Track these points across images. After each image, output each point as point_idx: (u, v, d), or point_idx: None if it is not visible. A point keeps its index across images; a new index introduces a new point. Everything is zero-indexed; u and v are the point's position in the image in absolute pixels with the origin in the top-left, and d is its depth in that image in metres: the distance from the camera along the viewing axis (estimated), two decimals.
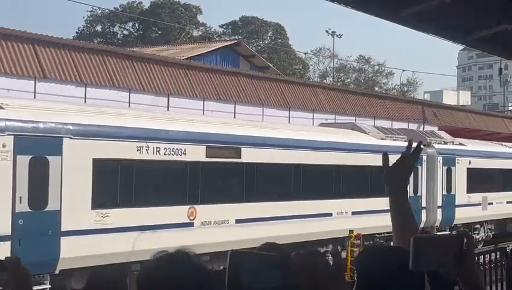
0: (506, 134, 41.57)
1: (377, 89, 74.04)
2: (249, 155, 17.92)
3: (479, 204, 27.54)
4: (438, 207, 25.49)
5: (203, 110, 26.29)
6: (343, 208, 20.93)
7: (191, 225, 16.24)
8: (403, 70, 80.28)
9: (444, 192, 25.65)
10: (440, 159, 25.71)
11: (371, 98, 36.67)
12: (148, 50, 37.47)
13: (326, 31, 73.55)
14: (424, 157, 24.59)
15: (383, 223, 19.20)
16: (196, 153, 16.45)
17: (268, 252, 1.78)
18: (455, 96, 77.31)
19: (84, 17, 74.35)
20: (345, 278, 1.75)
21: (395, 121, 35.39)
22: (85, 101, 22.03)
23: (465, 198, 26.73)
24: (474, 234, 27.43)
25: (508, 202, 29.69)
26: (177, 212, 16.02)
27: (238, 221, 17.41)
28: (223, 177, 17.72)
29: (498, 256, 13.85)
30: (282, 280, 1.65)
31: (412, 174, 24.09)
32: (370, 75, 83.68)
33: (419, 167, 24.17)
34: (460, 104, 64.63)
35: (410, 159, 2.83)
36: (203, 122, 18.20)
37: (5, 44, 20.85)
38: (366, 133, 23.36)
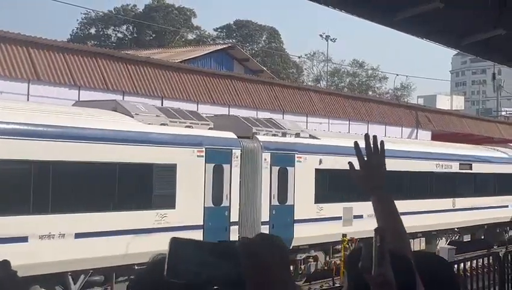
0: (499, 139, 41.68)
1: (370, 93, 74.17)
2: None
3: (338, 218, 20.97)
4: (264, 223, 18.72)
5: None
6: (52, 229, 13.61)
7: None
8: (397, 75, 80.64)
9: (275, 202, 19.08)
10: (267, 156, 19.10)
11: (364, 102, 36.70)
12: (142, 53, 37.43)
13: (321, 35, 73.74)
14: (236, 153, 18.13)
15: (132, 249, 14.60)
16: None
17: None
18: (449, 101, 77.59)
19: (78, 20, 74.39)
20: (289, 263, 1.70)
21: (389, 125, 35.45)
22: None
23: (311, 210, 20.12)
24: (335, 258, 21.17)
25: (368, 217, 23.34)
26: None
27: None
28: None
29: (491, 261, 13.88)
30: (225, 268, 1.61)
31: (209, 177, 17.24)
32: (364, 80, 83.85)
33: (226, 166, 17.87)
34: (453, 108, 64.79)
35: (373, 157, 2.67)
36: None
37: None
38: (130, 115, 16.54)
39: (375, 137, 2.69)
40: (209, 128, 18.37)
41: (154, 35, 70.45)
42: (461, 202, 26.81)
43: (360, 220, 20.61)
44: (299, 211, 19.72)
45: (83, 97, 22.63)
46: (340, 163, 20.57)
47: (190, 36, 70.63)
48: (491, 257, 14.10)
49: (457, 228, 26.90)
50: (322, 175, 20.58)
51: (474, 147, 31.32)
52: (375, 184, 2.69)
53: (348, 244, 19.61)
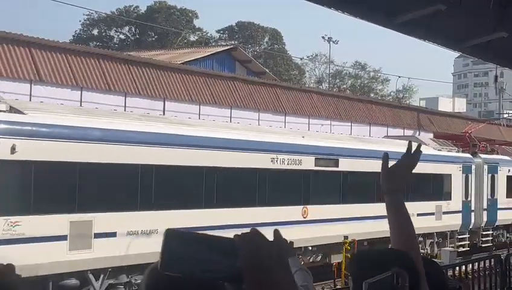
0: (501, 141, 41.66)
1: (372, 95, 74.17)
2: None
3: (60, 238, 13.36)
4: None
5: (199, 114, 26.32)
6: None
7: None
8: (399, 77, 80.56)
9: None
10: None
11: (366, 104, 36.72)
12: (144, 54, 37.47)
13: (323, 37, 73.83)
14: None
15: None
16: None
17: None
18: (450, 103, 77.60)
19: (80, 21, 74.50)
20: (287, 258, 1.69)
21: (391, 127, 35.45)
22: (81, 104, 22.03)
23: None
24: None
25: (129, 234, 14.48)
26: None
27: None
28: None
29: (492, 263, 13.88)
30: (222, 262, 1.58)
31: None
32: (366, 82, 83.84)
33: None
34: (455, 111, 64.78)
35: (409, 160, 2.70)
36: None
37: (1, 47, 20.83)
38: None
39: (419, 145, 2.72)
40: None
41: (156, 37, 70.51)
42: (318, 211, 19.51)
43: (110, 240, 14.00)
44: None
45: (85, 98, 22.69)
46: (61, 152, 13.44)
47: (192, 38, 70.73)
48: (492, 260, 14.10)
49: (312, 246, 19.62)
50: (17, 170, 13.19)
51: (345, 137, 23.94)
52: (399, 185, 2.69)
53: (350, 247, 19.52)
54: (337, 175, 20.49)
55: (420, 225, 22.52)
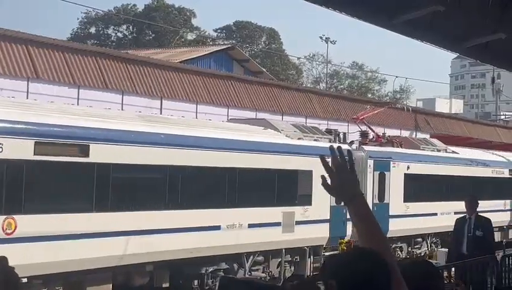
0: (498, 143, 41.72)
1: (369, 95, 74.19)
2: None
3: None
4: None
5: (196, 113, 26.31)
6: None
7: None
8: (396, 77, 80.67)
9: None
10: None
11: (363, 104, 36.70)
12: (141, 53, 37.44)
13: (320, 37, 73.79)
14: None
15: None
16: None
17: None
18: (448, 105, 77.70)
19: (78, 19, 74.43)
20: None
21: (388, 128, 35.44)
22: (78, 103, 22.03)
23: None
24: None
25: None
26: None
27: None
28: None
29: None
30: None
31: None
32: (363, 82, 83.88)
33: None
34: (452, 112, 64.88)
35: (338, 163, 2.63)
36: None
37: None
38: None
39: (339, 147, 2.66)
40: None
41: (154, 36, 70.49)
42: (43, 223, 12.48)
43: None
44: None
45: (82, 96, 22.66)
46: None
47: (190, 37, 70.71)
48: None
49: (36, 277, 12.18)
50: None
51: (107, 114, 15.41)
52: (353, 193, 2.63)
53: (345, 248, 19.41)
54: (88, 169, 13.43)
55: (253, 239, 16.91)
